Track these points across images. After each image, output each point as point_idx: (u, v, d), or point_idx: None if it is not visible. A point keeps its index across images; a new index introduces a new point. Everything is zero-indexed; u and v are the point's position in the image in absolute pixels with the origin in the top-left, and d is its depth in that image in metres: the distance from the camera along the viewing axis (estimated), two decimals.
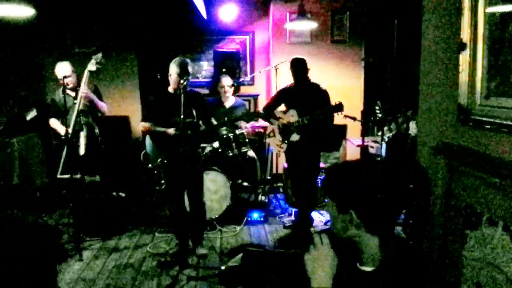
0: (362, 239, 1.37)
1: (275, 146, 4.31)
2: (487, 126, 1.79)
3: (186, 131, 3.55)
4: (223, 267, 1.85)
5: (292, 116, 4.11)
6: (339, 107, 3.90)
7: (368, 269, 1.38)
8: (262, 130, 5.26)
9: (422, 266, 1.39)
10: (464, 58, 1.89)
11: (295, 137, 4.11)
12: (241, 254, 1.89)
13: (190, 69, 3.60)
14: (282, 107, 4.35)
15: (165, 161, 3.73)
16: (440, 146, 2.11)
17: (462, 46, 1.88)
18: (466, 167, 1.92)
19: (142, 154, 4.84)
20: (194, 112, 3.66)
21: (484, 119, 1.81)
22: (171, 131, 3.60)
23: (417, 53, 2.46)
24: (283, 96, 4.26)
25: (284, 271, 1.83)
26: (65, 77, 4.03)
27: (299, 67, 4.07)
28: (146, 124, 3.72)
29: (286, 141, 4.17)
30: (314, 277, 1.37)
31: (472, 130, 1.91)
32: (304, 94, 4.08)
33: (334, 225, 1.43)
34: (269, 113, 4.28)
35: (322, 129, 4.14)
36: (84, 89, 4.05)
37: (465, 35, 1.86)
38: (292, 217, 4.65)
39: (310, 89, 4.12)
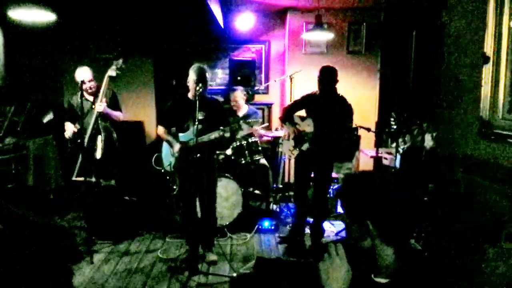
0: (377, 250, 1.36)
1: (287, 150, 4.25)
2: (509, 140, 1.76)
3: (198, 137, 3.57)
4: (235, 274, 1.83)
5: (308, 126, 4.06)
6: (352, 131, 3.88)
7: (383, 280, 1.36)
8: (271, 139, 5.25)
9: (438, 279, 1.36)
10: (487, 71, 1.87)
11: (305, 146, 4.06)
12: (253, 262, 1.88)
13: (208, 76, 3.66)
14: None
15: (177, 166, 3.78)
16: (460, 159, 2.09)
17: (485, 59, 1.86)
18: (486, 180, 1.90)
19: (154, 157, 4.87)
20: (208, 118, 3.67)
21: (506, 132, 1.79)
22: (176, 149, 3.70)
23: (436, 65, 2.44)
24: (306, 102, 4.16)
25: (296, 280, 1.82)
26: (83, 82, 4.04)
27: (328, 76, 3.96)
28: (161, 129, 3.84)
29: (298, 148, 4.11)
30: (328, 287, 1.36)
31: (493, 143, 1.89)
32: (328, 105, 3.99)
33: (349, 236, 1.42)
34: (287, 116, 4.18)
35: (336, 143, 4.08)
36: (100, 106, 4.08)
37: (489, 48, 1.85)
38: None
39: (336, 101, 4.02)
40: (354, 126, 4.02)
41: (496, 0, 1.82)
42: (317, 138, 3.98)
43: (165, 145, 3.97)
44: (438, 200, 2.34)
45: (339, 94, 4.05)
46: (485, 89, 1.89)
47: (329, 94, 4.00)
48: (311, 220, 4.40)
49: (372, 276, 1.40)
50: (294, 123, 4.15)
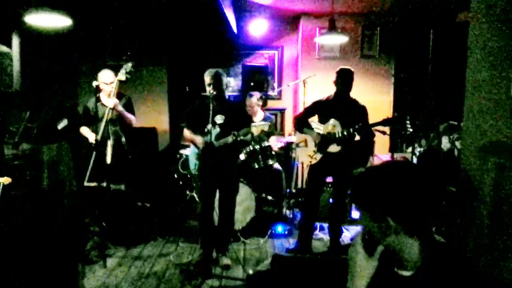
0: (401, 243, 1.31)
1: (306, 157, 4.12)
2: None
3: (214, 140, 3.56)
4: (251, 271, 1.79)
5: (334, 127, 3.90)
6: (395, 121, 3.76)
7: (406, 273, 1.31)
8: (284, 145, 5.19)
9: (465, 271, 1.30)
10: None
11: (334, 148, 3.90)
12: (270, 259, 1.84)
13: (223, 79, 3.65)
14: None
15: (199, 169, 3.76)
16: (488, 145, 2.00)
17: None
18: None
19: (181, 161, 4.89)
20: (228, 122, 3.66)
21: None
22: (199, 141, 3.68)
23: (457, 60, 2.38)
24: (318, 107, 4.07)
25: (313, 276, 1.77)
26: (98, 86, 4.05)
27: (348, 78, 3.89)
28: (187, 132, 3.86)
29: (322, 152, 3.95)
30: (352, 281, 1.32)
31: None
32: (343, 108, 3.91)
33: (369, 236, 1.37)
34: (302, 124, 4.08)
35: (363, 142, 4.00)
36: (111, 101, 4.10)
37: None
38: (318, 231, 4.55)
39: (350, 104, 3.95)
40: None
41: None
42: (343, 139, 3.85)
43: (191, 148, 3.98)
44: (464, 191, 2.25)
45: (352, 97, 3.99)
46: None
47: (344, 96, 3.94)
48: (318, 225, 4.35)
49: (395, 269, 1.34)
50: (312, 128, 4.05)
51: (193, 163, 3.95)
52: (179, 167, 4.81)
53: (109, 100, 4.11)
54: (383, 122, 3.73)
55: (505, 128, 1.97)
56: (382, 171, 1.37)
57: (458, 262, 1.29)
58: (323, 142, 3.92)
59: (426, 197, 1.27)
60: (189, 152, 4.06)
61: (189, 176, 4.26)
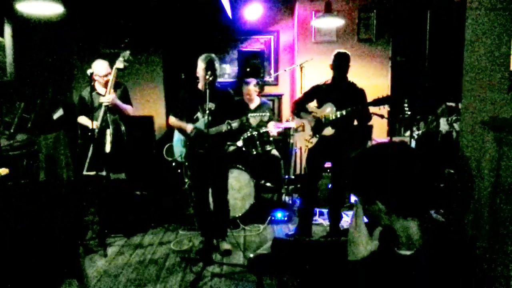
0: (396, 224, 1.31)
1: (303, 141, 4.12)
2: None
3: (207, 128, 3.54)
4: (251, 255, 1.78)
5: (329, 108, 3.88)
6: (387, 100, 3.72)
7: (406, 253, 1.32)
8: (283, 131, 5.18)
9: (464, 251, 1.31)
10: None
11: (329, 131, 3.89)
12: (270, 242, 1.85)
13: (217, 65, 3.62)
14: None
15: (187, 156, 3.75)
16: (488, 120, 1.98)
17: None
18: None
19: (165, 148, 4.87)
20: (218, 109, 3.64)
21: None
22: (189, 127, 3.66)
23: (455, 41, 2.36)
24: (316, 92, 4.04)
25: (314, 259, 1.77)
26: (92, 74, 4.00)
27: (344, 61, 3.86)
28: (172, 118, 3.83)
29: (317, 136, 3.95)
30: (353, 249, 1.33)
31: None
32: (341, 92, 3.88)
33: (368, 219, 1.37)
34: (300, 108, 4.05)
35: (361, 126, 3.98)
36: (108, 97, 4.05)
37: None
38: (317, 217, 4.56)
39: (347, 87, 3.93)
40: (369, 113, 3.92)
41: None
42: (337, 122, 3.83)
43: (176, 135, 3.96)
44: (462, 171, 2.24)
45: (350, 80, 3.97)
46: None
47: (341, 80, 3.92)
48: (317, 210, 4.38)
49: (395, 249, 1.35)
50: (309, 112, 4.03)
51: (178, 150, 3.94)
52: (164, 154, 4.81)
53: (106, 97, 4.06)
54: (374, 102, 3.68)
55: (504, 103, 1.96)
56: (374, 153, 1.37)
57: (457, 242, 1.30)
58: (317, 125, 3.92)
59: (415, 179, 1.28)
60: (174, 139, 4.04)
61: (173, 164, 4.25)
